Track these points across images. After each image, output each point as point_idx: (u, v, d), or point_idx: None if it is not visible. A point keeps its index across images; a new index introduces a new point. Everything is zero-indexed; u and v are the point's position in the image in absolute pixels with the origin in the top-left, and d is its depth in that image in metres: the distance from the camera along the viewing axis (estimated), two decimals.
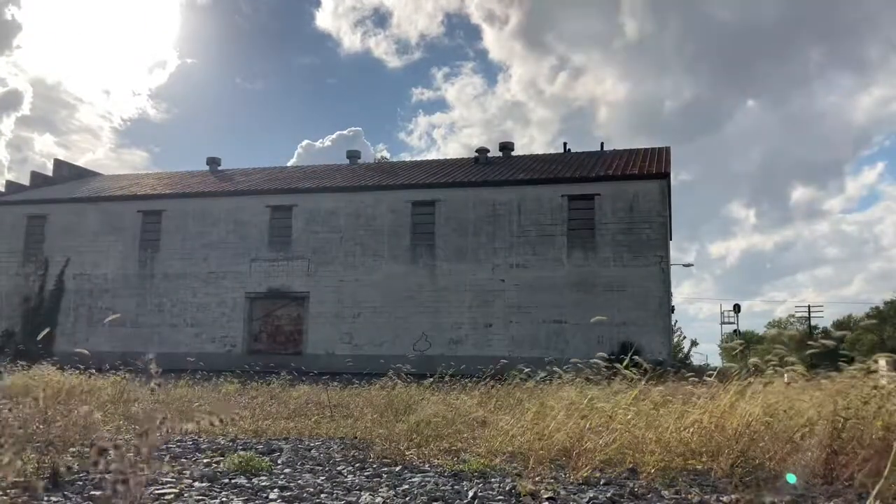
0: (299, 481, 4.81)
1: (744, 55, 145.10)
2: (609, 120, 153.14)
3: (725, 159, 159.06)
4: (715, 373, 6.30)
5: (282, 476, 5.01)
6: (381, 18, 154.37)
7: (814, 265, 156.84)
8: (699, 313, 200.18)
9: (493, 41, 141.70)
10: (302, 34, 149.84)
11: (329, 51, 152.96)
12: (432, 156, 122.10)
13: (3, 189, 37.94)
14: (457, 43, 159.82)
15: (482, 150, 35.74)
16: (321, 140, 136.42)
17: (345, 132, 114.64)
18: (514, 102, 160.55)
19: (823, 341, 5.45)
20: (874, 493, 3.25)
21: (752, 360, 5.73)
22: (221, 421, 2.09)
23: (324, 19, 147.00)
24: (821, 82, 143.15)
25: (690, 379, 6.72)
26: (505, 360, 12.56)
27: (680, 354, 42.56)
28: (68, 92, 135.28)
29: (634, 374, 6.47)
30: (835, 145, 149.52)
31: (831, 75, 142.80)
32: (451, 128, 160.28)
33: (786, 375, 5.66)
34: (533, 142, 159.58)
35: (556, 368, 7.71)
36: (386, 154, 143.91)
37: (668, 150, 31.93)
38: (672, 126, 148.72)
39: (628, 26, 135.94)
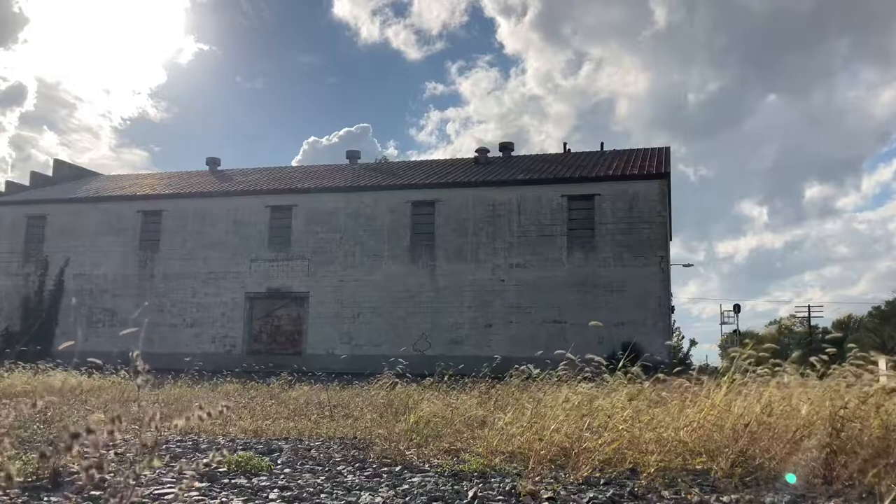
0: (299, 481, 4.82)
1: (773, 47, 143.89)
2: (629, 114, 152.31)
3: (743, 155, 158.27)
4: (706, 372, 6.31)
5: (282, 476, 5.01)
6: (401, 7, 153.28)
7: (822, 264, 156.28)
8: (702, 313, 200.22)
9: (510, 33, 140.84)
10: (316, 26, 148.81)
11: (343, 43, 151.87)
12: (439, 153, 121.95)
13: (3, 189, 37.96)
14: (473, 35, 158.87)
15: (482, 151, 35.78)
16: (328, 137, 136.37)
17: (352, 129, 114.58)
18: (531, 96, 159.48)
19: (823, 355, 5.47)
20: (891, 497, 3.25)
21: (742, 357, 5.72)
22: (210, 415, 2.09)
23: (342, 7, 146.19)
24: (844, 75, 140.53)
25: (688, 378, 6.71)
26: (497, 358, 12.53)
27: (680, 354, 42.60)
28: (67, 91, 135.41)
29: (633, 373, 6.48)
30: (854, 141, 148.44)
31: (856, 68, 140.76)
32: (465, 123, 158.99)
33: (786, 376, 5.65)
34: (548, 138, 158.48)
35: (550, 367, 7.72)
36: (394, 151, 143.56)
37: (667, 150, 31.97)
38: (694, 120, 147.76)
39: (658, 14, 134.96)
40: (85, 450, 1.80)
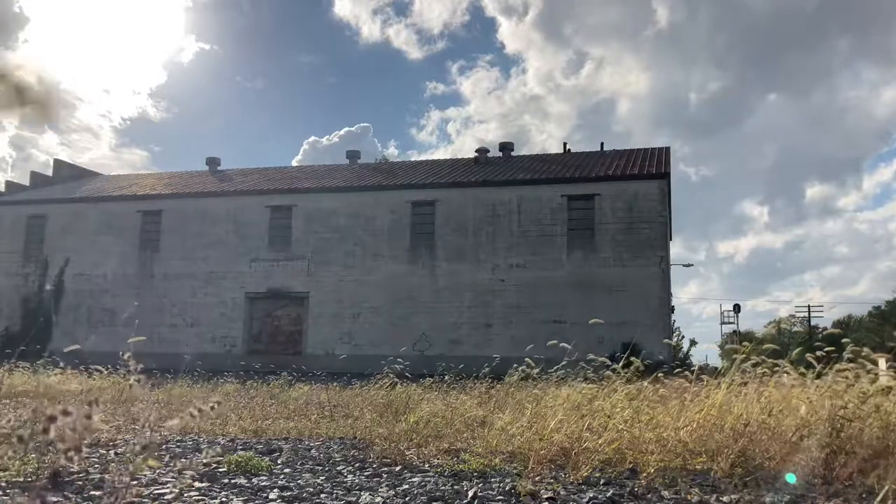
0: (299, 481, 4.81)
1: (773, 47, 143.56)
2: (630, 114, 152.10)
3: (743, 155, 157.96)
4: (706, 372, 6.32)
5: (282, 476, 5.01)
6: (402, 6, 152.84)
7: (822, 264, 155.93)
8: (703, 313, 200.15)
9: (511, 33, 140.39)
10: (317, 26, 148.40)
11: (343, 43, 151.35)
12: (439, 153, 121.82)
13: (3, 189, 37.97)
14: (474, 35, 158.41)
15: (482, 150, 35.82)
16: (328, 137, 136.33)
17: (353, 129, 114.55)
18: (532, 96, 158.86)
19: (818, 353, 5.48)
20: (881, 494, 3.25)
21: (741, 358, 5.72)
22: (200, 412, 2.09)
23: (342, 7, 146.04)
24: (845, 75, 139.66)
25: (687, 377, 6.71)
26: (497, 358, 12.53)
27: (680, 354, 42.60)
28: (67, 91, 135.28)
29: (633, 373, 6.48)
30: (855, 141, 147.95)
31: (857, 67, 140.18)
32: (466, 123, 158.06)
33: (785, 377, 5.65)
34: (549, 137, 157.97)
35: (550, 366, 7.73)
36: (394, 151, 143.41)
37: (668, 150, 31.98)
38: (695, 120, 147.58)
39: (659, 13, 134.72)
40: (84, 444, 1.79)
